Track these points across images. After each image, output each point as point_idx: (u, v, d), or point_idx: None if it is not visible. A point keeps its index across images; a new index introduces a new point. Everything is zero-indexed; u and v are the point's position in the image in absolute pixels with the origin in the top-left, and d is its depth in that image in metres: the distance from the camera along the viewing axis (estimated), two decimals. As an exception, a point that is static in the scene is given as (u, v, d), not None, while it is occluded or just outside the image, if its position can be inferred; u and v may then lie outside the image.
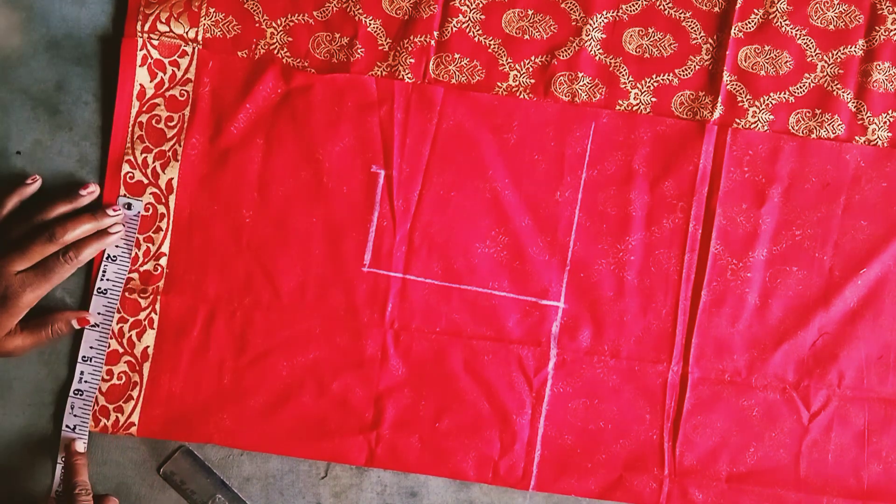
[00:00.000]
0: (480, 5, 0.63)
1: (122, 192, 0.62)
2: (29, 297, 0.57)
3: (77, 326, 0.61)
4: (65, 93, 0.63)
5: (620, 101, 0.63)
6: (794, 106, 0.63)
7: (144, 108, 0.62)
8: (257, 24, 0.63)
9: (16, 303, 0.57)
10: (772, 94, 0.63)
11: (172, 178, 0.62)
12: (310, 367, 0.63)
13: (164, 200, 0.62)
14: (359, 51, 0.63)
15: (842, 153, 0.63)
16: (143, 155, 0.62)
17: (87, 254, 0.59)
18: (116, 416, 0.62)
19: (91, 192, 0.61)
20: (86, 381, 0.61)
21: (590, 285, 0.63)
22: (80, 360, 0.61)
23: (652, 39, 0.63)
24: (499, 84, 0.63)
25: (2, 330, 0.57)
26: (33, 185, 0.61)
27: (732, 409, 0.63)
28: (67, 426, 0.61)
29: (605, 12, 0.63)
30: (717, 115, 0.63)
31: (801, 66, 0.63)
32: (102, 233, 0.60)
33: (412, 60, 0.63)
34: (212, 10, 0.62)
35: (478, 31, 0.63)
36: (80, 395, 0.61)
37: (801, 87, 0.63)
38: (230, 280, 0.62)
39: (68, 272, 0.59)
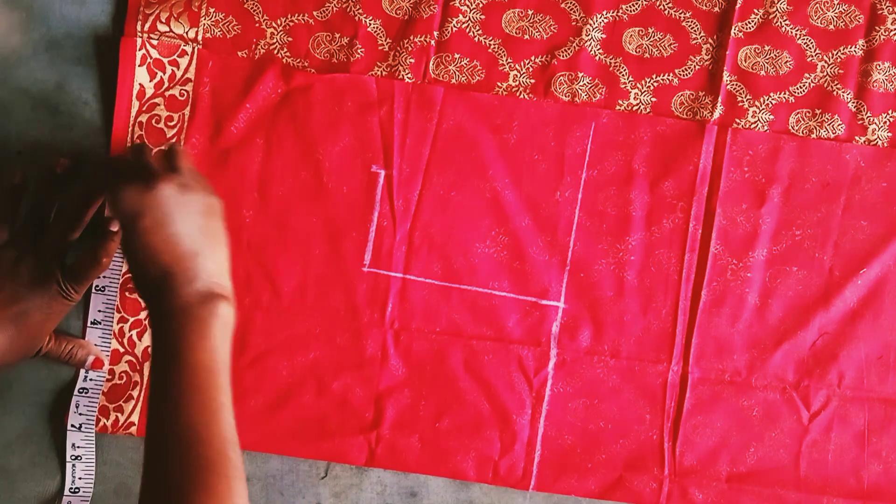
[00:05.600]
0: (480, 5, 0.63)
1: None
2: (76, 299, 0.56)
3: (89, 367, 0.60)
4: (65, 93, 0.63)
5: (620, 101, 0.63)
6: (793, 106, 0.63)
7: (144, 108, 0.62)
8: (257, 24, 0.63)
9: (68, 306, 0.56)
10: (772, 94, 0.63)
11: (172, 178, 0.62)
12: (310, 367, 0.63)
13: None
14: (359, 51, 0.63)
15: (842, 153, 0.63)
16: (143, 155, 0.62)
17: (111, 252, 0.57)
18: (116, 416, 0.62)
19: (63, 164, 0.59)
20: (91, 380, 0.61)
21: (590, 285, 0.63)
22: None
23: (652, 39, 0.63)
24: (499, 84, 0.63)
25: (51, 329, 0.57)
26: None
27: (732, 409, 0.63)
28: (73, 425, 0.61)
29: (605, 12, 0.63)
30: (717, 115, 0.63)
31: (800, 66, 0.63)
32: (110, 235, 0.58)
33: (412, 60, 0.63)
34: (212, 9, 0.62)
35: (478, 31, 0.63)
36: (85, 393, 0.61)
37: (801, 87, 0.63)
38: (230, 280, 0.62)
39: (107, 266, 0.57)
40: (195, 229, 0.51)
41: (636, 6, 0.63)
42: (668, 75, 0.63)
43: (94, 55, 0.63)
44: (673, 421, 0.63)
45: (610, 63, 0.63)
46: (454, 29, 0.63)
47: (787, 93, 0.63)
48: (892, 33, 0.63)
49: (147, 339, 0.62)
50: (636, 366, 0.63)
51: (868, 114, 0.63)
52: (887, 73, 0.63)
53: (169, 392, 0.46)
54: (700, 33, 0.63)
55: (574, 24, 0.63)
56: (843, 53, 0.63)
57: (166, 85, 0.62)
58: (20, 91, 0.63)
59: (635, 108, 0.63)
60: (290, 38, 0.63)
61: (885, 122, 0.63)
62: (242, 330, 0.62)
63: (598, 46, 0.63)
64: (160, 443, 0.45)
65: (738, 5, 0.63)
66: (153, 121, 0.62)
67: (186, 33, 0.62)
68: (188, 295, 0.49)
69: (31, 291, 0.55)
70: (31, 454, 0.62)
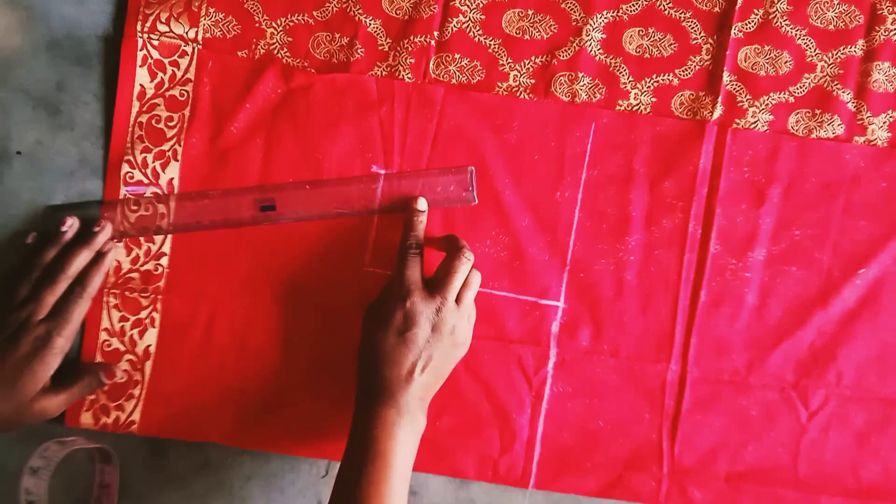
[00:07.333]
0: (480, 5, 0.63)
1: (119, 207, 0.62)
2: (60, 342, 0.57)
3: (106, 381, 0.60)
4: (65, 93, 0.63)
5: (620, 102, 0.63)
6: (793, 106, 0.63)
7: (144, 108, 0.62)
8: (257, 24, 0.63)
9: (49, 351, 0.56)
10: (771, 94, 0.63)
11: (173, 178, 0.62)
12: (310, 366, 0.63)
13: (164, 200, 0.62)
14: (359, 51, 0.63)
15: (841, 153, 0.63)
16: (143, 155, 0.62)
17: (95, 283, 0.60)
18: (117, 415, 0.62)
19: (104, 228, 0.61)
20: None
21: (589, 285, 0.63)
22: None
23: (652, 39, 0.63)
24: (499, 84, 0.63)
25: (38, 383, 0.56)
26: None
27: (731, 408, 0.63)
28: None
29: (605, 12, 0.63)
30: (716, 115, 0.63)
31: (800, 67, 0.63)
32: (99, 258, 0.60)
33: (412, 60, 0.63)
34: (212, 10, 0.62)
35: (478, 31, 0.63)
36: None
37: (800, 88, 0.63)
38: (231, 280, 0.63)
39: (86, 307, 0.59)
40: (444, 361, 0.58)
41: (636, 6, 0.63)
42: (668, 75, 0.63)
43: (94, 55, 0.63)
44: (672, 420, 0.63)
45: (610, 63, 0.63)
46: (454, 29, 0.63)
47: (787, 93, 0.63)
48: (891, 33, 0.63)
49: (148, 339, 0.62)
50: (635, 365, 0.63)
51: (868, 114, 0.63)
52: (887, 74, 0.63)
53: (366, 483, 0.52)
54: (700, 33, 0.63)
55: (574, 24, 0.63)
56: (842, 53, 0.63)
57: (167, 85, 0.62)
58: (20, 91, 0.63)
59: (635, 108, 0.63)
60: (290, 38, 0.63)
61: (885, 123, 0.63)
62: (243, 329, 0.63)
63: (599, 46, 0.63)
64: None
65: (738, 5, 0.63)
66: (153, 121, 0.62)
67: (186, 33, 0.62)
68: (412, 402, 0.55)
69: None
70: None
